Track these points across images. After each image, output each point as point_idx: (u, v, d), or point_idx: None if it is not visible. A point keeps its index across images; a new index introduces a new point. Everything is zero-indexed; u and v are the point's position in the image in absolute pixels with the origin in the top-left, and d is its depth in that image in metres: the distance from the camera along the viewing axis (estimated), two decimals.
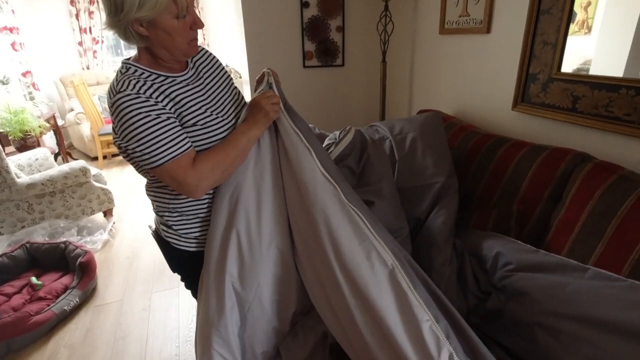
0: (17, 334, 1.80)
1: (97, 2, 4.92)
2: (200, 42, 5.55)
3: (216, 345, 0.96)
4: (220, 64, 1.14)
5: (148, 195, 1.12)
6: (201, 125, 0.97)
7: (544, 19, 1.45)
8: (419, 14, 2.14)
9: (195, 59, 1.07)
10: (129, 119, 0.86)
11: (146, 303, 2.12)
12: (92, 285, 2.24)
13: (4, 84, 4.12)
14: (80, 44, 5.03)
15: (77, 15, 4.89)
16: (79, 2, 4.85)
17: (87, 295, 2.18)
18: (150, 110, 0.87)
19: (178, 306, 2.08)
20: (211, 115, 1.00)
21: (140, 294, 2.21)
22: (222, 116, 1.03)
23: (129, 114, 0.86)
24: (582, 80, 1.33)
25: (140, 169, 0.99)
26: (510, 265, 1.14)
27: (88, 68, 5.15)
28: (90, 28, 5.00)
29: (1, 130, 3.41)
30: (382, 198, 1.18)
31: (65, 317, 2.02)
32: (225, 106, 1.06)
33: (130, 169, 4.23)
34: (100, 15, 5.02)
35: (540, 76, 1.49)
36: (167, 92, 0.94)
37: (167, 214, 1.08)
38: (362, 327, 0.84)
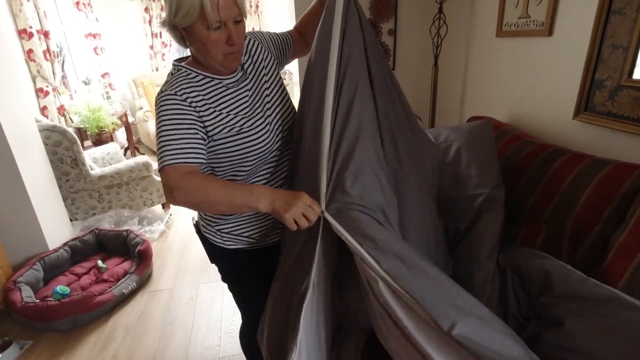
0: (83, 311, 2.01)
1: None
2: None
3: None
4: (273, 63, 1.12)
5: None
6: (237, 132, 0.98)
7: (615, 19, 1.31)
8: (475, 16, 2.05)
9: (243, 61, 1.06)
10: (159, 117, 0.92)
11: (194, 293, 2.26)
12: (148, 272, 2.43)
13: (86, 84, 4.61)
14: (151, 47, 5.46)
15: (149, 21, 5.31)
16: (152, 9, 5.26)
17: (143, 280, 2.37)
18: (177, 114, 0.91)
19: (222, 299, 2.18)
20: (250, 121, 1.01)
21: (189, 283, 2.35)
22: (263, 123, 1.03)
23: (160, 112, 0.92)
24: None
25: None
26: (552, 292, 1.05)
27: (157, 70, 5.57)
28: (160, 33, 5.41)
29: (82, 126, 3.82)
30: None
31: (124, 300, 2.21)
32: (269, 109, 1.05)
33: None
34: None
35: (607, 83, 1.36)
36: (208, 97, 0.97)
37: (212, 220, 1.14)
38: None
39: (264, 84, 1.07)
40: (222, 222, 1.12)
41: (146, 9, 5.25)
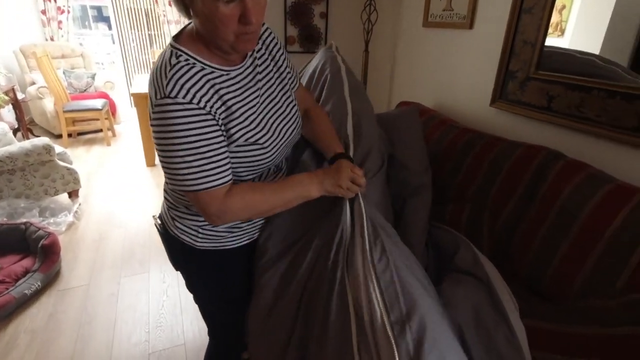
0: None
1: None
2: None
3: None
4: (282, 51, 0.95)
5: (165, 196, 0.98)
6: (252, 141, 0.83)
7: (525, 17, 1.48)
8: (403, 5, 2.14)
9: (256, 49, 0.89)
10: (173, 130, 0.72)
11: (114, 288, 2.06)
12: (56, 268, 2.14)
13: None
14: (44, 12, 4.70)
15: None
16: None
17: (50, 279, 2.08)
18: (198, 127, 0.73)
19: (148, 291, 2.02)
20: (261, 124, 0.85)
21: (108, 278, 2.13)
22: (273, 127, 0.88)
23: (174, 127, 0.71)
24: (559, 80, 1.37)
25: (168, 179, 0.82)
26: (449, 266, 1.18)
27: (52, 39, 4.83)
28: None
29: None
30: None
31: (26, 302, 1.92)
32: (280, 109, 0.91)
33: (96, 149, 4.04)
34: None
35: (519, 74, 1.53)
36: (220, 94, 0.78)
37: (188, 216, 0.93)
38: None
39: (279, 82, 0.92)
40: (200, 218, 0.92)
41: None
